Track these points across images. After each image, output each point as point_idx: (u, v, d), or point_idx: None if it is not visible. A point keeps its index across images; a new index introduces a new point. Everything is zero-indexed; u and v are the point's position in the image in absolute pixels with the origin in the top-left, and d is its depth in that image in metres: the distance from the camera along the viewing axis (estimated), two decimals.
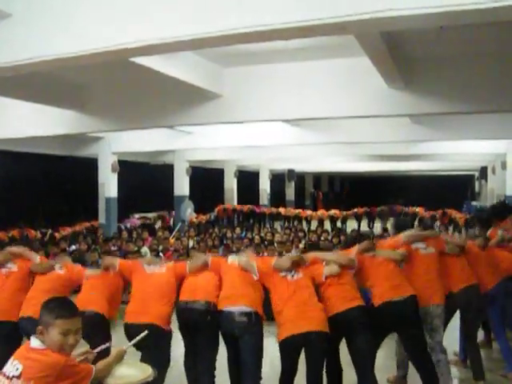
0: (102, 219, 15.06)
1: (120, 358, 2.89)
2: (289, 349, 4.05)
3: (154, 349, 4.07)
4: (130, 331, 4.13)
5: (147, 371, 2.88)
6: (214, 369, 4.30)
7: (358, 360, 4.19)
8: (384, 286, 4.45)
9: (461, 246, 5.16)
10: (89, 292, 4.75)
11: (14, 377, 2.45)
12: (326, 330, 4.02)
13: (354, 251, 4.56)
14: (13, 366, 2.48)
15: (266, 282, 4.33)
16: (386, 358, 4.54)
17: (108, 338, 4.29)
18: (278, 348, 4.08)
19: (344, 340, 4.30)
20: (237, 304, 4.12)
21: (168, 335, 4.34)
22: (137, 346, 4.01)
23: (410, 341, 4.44)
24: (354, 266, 4.46)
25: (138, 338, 3.24)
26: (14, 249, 5.13)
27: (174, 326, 4.43)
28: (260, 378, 4.07)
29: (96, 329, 4.27)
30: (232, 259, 4.61)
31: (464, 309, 5.00)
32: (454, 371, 5.02)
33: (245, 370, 4.06)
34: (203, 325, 4.22)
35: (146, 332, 3.27)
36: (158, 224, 18.10)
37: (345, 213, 20.00)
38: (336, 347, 4.34)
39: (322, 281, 4.31)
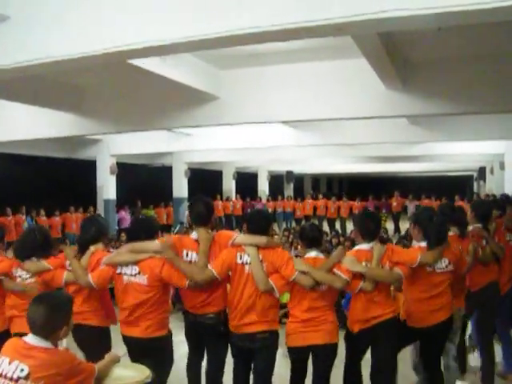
0: None
1: (115, 360, 2.89)
2: (295, 356, 4.01)
3: (156, 356, 3.92)
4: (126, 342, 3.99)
5: (145, 372, 2.86)
6: (222, 375, 4.15)
7: (381, 368, 4.06)
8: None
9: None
10: None
11: (20, 378, 2.37)
12: (333, 341, 3.91)
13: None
14: (13, 367, 2.40)
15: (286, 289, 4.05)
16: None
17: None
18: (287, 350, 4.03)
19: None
20: (258, 328, 3.84)
21: (169, 338, 4.06)
22: (135, 357, 3.82)
23: (430, 345, 4.33)
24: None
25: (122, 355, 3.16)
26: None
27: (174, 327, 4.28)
28: None
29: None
30: (243, 259, 3.88)
31: (480, 308, 4.93)
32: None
33: (259, 380, 3.94)
34: (214, 335, 4.03)
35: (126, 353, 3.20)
36: None
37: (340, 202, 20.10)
38: (358, 359, 4.15)
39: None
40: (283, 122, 10.57)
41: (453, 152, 15.40)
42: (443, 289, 4.22)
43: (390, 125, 10.75)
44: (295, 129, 11.80)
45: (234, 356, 4.07)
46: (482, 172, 21.40)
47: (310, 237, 4.05)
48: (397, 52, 6.02)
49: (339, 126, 11.07)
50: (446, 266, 4.26)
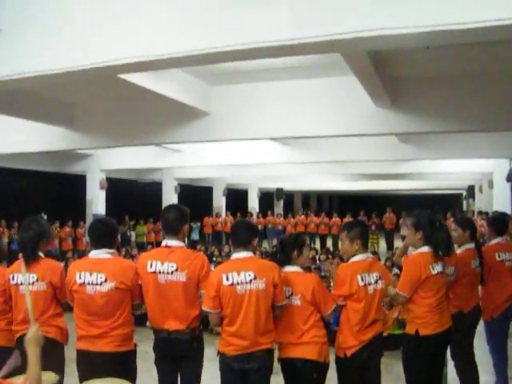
0: None
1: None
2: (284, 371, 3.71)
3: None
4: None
5: None
6: None
7: None
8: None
9: None
10: None
11: None
12: (316, 358, 3.55)
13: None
14: None
15: None
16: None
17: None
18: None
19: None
20: (257, 346, 3.47)
21: (133, 354, 3.70)
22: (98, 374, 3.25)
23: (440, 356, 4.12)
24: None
25: None
26: None
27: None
28: None
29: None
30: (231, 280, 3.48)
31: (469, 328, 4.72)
32: None
33: None
34: (189, 354, 3.65)
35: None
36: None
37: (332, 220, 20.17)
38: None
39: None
40: (273, 139, 10.60)
41: (442, 170, 15.49)
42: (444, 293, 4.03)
43: (379, 142, 10.80)
44: (285, 146, 11.84)
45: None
46: (471, 190, 21.52)
47: (290, 250, 3.74)
48: (386, 70, 6.06)
49: (329, 143, 11.11)
50: (452, 274, 4.34)
